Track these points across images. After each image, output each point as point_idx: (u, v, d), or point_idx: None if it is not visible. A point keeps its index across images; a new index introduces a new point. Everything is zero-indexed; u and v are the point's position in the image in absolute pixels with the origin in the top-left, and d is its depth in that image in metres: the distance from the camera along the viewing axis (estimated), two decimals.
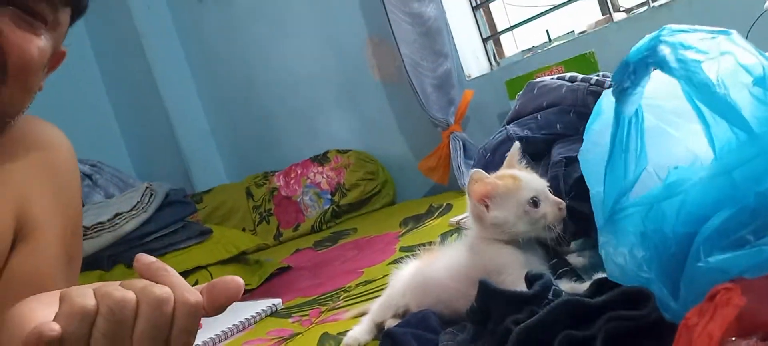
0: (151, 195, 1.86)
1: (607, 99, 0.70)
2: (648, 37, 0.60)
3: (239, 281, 0.47)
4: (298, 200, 2.47)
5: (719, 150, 0.54)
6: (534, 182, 0.87)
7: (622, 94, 0.60)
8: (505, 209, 0.87)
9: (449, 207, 1.87)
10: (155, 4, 2.75)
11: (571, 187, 0.87)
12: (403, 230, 1.85)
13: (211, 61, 2.76)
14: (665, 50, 0.58)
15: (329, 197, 2.42)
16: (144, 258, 0.48)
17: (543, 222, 0.85)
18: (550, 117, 0.96)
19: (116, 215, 1.78)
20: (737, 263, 0.50)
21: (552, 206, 0.85)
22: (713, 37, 0.58)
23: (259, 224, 2.50)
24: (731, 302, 0.45)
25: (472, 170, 0.87)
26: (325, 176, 2.45)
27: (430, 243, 1.35)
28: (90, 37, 2.87)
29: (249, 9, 2.56)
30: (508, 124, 1.01)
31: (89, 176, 2.46)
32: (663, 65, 0.58)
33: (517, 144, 0.87)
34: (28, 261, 0.71)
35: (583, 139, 0.81)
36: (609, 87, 0.88)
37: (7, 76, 0.62)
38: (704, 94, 0.55)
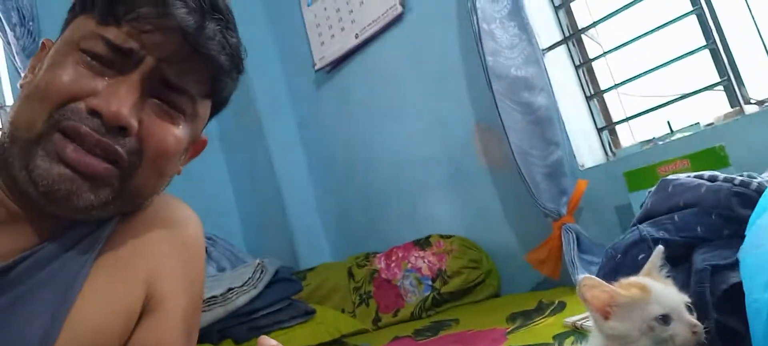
0: (262, 271, 1.92)
1: None
2: None
3: None
4: (399, 283, 2.44)
5: None
6: (668, 296, 0.79)
7: None
8: (627, 320, 0.79)
9: (562, 305, 1.76)
10: (277, 92, 2.96)
11: (718, 299, 0.79)
12: (511, 327, 1.75)
13: (324, 143, 2.89)
14: None
15: (430, 283, 2.37)
16: (267, 341, 0.49)
17: (671, 343, 0.76)
18: (689, 219, 0.88)
19: (229, 289, 1.85)
20: None
21: (685, 327, 0.76)
22: None
23: (358, 306, 2.49)
24: None
25: (584, 276, 0.82)
26: (426, 260, 2.42)
27: (543, 344, 1.27)
28: (216, 119, 3.12)
29: (362, 97, 2.68)
30: (639, 224, 0.94)
31: (204, 249, 2.60)
32: None
33: (660, 249, 0.79)
34: (153, 334, 0.73)
35: (727, 245, 0.74)
36: (756, 188, 0.81)
37: (142, 161, 0.66)
38: None
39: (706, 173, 0.92)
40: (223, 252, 2.66)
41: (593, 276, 0.81)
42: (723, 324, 0.76)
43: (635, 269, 0.89)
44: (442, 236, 2.42)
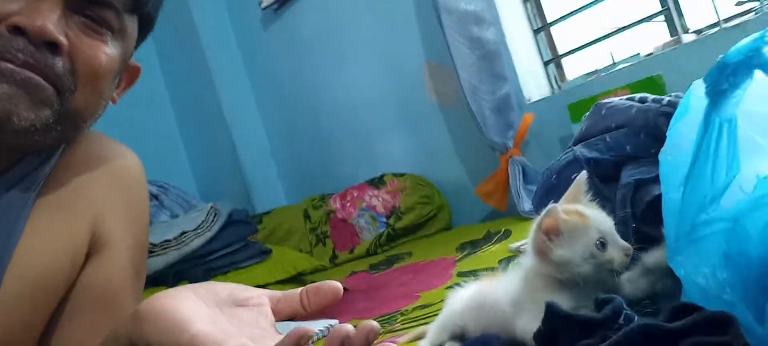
0: (216, 215, 1.92)
1: (695, 96, 0.66)
2: (751, 37, 0.57)
3: (339, 285, 0.50)
4: (354, 222, 2.48)
5: None
6: (602, 222, 0.80)
7: (718, 97, 0.57)
8: (570, 247, 0.80)
9: (508, 233, 1.84)
10: (222, 32, 2.88)
11: (641, 211, 0.84)
12: (460, 255, 1.83)
13: (274, 86, 2.85)
14: None
15: (384, 220, 2.42)
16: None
17: (608, 266, 0.78)
18: (620, 139, 0.92)
19: (182, 233, 1.84)
20: None
21: (619, 250, 0.79)
22: None
23: (315, 246, 2.53)
24: None
25: (551, 206, 0.84)
26: (380, 199, 2.46)
27: (488, 269, 1.33)
28: (160, 61, 3.02)
29: (312, 36, 2.63)
30: (574, 146, 0.99)
31: (156, 197, 2.57)
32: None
33: (584, 174, 0.81)
34: (100, 273, 0.73)
35: (654, 162, 0.78)
36: None
37: (77, 81, 0.65)
38: None
39: (637, 95, 0.97)
40: (175, 199, 2.63)
41: (557, 207, 0.81)
42: (644, 234, 0.81)
43: (568, 189, 0.93)
44: (395, 175, 2.46)
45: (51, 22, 0.61)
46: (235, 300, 0.53)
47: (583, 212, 0.82)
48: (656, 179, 0.82)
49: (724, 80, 0.61)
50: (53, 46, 0.62)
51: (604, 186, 0.91)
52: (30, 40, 0.61)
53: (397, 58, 2.38)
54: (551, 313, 0.72)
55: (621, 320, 0.67)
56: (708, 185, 0.63)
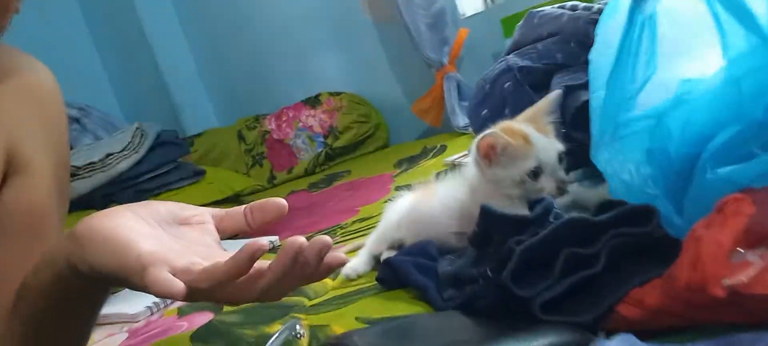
0: (142, 135, 1.84)
1: None
2: None
3: (283, 202, 0.50)
4: (291, 143, 2.46)
5: (731, 59, 0.53)
6: (546, 150, 0.80)
7: None
8: (504, 169, 0.82)
9: (443, 148, 1.87)
10: None
11: (571, 117, 0.87)
12: (398, 171, 1.86)
13: (200, 2, 2.69)
14: None
15: (322, 140, 2.41)
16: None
17: (537, 195, 0.79)
18: (551, 47, 0.94)
19: (108, 155, 1.77)
20: (745, 173, 0.50)
21: (552, 182, 0.79)
22: None
23: (252, 167, 2.49)
24: (741, 212, 0.46)
25: (498, 126, 0.83)
26: (317, 118, 2.43)
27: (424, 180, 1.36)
28: None
29: None
30: (507, 55, 1.00)
31: (77, 120, 2.43)
32: None
33: (557, 93, 0.79)
34: (23, 194, 0.69)
35: (584, 69, 0.80)
36: None
37: None
38: None
39: (569, 3, 0.98)
40: (97, 122, 2.50)
41: (498, 133, 0.80)
42: (572, 138, 0.85)
43: (501, 97, 0.95)
44: (331, 94, 2.43)
45: None
46: (177, 218, 0.52)
47: (528, 136, 0.81)
48: (585, 86, 0.84)
49: None
50: None
51: (535, 94, 0.94)
52: None
53: None
54: (485, 214, 0.75)
55: (551, 218, 0.71)
56: (629, 83, 0.66)
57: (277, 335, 0.64)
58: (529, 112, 0.84)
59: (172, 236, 0.50)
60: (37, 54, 0.78)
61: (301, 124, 2.45)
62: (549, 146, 0.81)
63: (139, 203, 0.53)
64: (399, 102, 2.28)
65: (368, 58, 2.32)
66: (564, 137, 0.81)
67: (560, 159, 0.80)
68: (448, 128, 2.05)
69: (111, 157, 1.76)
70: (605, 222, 0.61)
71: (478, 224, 0.74)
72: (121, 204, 1.57)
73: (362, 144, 2.37)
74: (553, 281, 0.60)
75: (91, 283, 0.49)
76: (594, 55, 0.68)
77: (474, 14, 2.06)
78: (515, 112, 0.90)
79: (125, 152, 1.78)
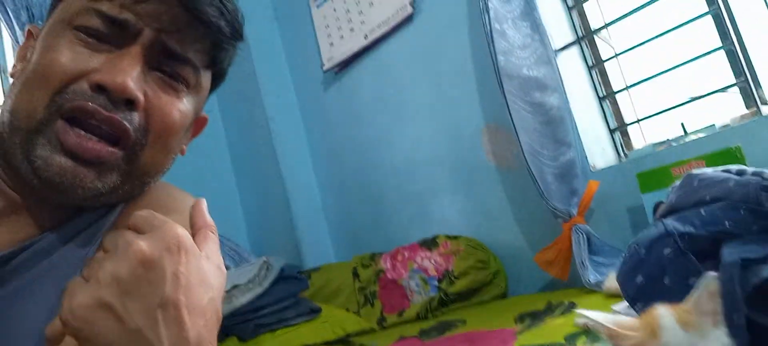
0: (268, 269, 1.89)
1: None
2: None
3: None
4: (404, 284, 2.41)
5: None
6: (679, 344, 0.69)
7: None
8: None
9: (571, 305, 1.73)
10: (283, 90, 2.95)
11: (749, 295, 0.76)
12: (521, 327, 1.73)
13: (330, 144, 2.87)
14: None
15: (436, 283, 2.34)
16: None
17: None
18: (717, 213, 0.86)
19: (234, 286, 1.82)
20: None
21: None
22: None
23: (363, 306, 2.46)
24: None
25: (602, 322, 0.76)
26: (433, 261, 2.39)
27: (554, 343, 1.24)
28: (221, 114, 3.10)
29: (370, 95, 2.66)
30: (662, 218, 0.92)
31: None
32: None
33: (717, 285, 0.69)
34: None
35: (758, 240, 0.71)
36: None
37: (148, 138, 0.64)
38: None
39: (734, 167, 0.90)
40: (226, 251, 2.64)
41: (593, 314, 0.76)
42: (754, 321, 0.74)
43: (659, 265, 0.86)
44: (448, 237, 2.39)
45: (131, 79, 0.61)
46: None
47: (658, 326, 0.71)
48: (765, 260, 0.75)
49: None
50: (131, 103, 0.62)
51: (700, 264, 0.84)
52: (110, 97, 0.61)
53: (455, 120, 2.36)
54: None
55: None
56: None
57: None
58: (692, 301, 0.72)
59: None
60: (183, 182, 0.83)
61: (415, 265, 2.42)
62: (688, 341, 0.68)
63: None
64: (521, 251, 2.19)
65: (489, 205, 2.29)
66: (746, 320, 0.70)
67: None
68: (574, 282, 1.92)
69: (236, 288, 1.81)
70: None
71: None
72: (240, 337, 1.58)
73: (479, 292, 2.27)
74: None
75: None
76: None
77: (606, 167, 1.98)
78: (675, 282, 0.80)
79: (249, 285, 1.83)
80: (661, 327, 0.69)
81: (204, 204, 0.62)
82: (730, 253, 0.80)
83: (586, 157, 1.99)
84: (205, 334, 0.47)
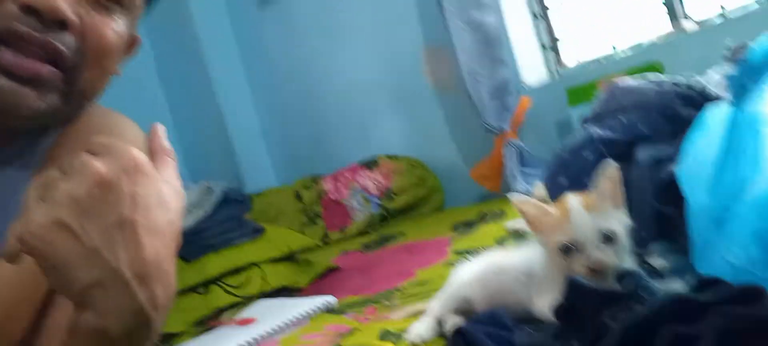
0: (210, 193, 1.89)
1: (712, 114, 0.68)
2: None
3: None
4: (346, 203, 2.47)
5: None
6: (582, 226, 0.76)
7: (741, 93, 0.58)
8: (544, 238, 0.81)
9: (502, 213, 1.84)
10: (215, 10, 2.82)
11: (658, 189, 0.84)
12: (455, 235, 1.83)
13: (268, 67, 2.81)
14: None
15: (377, 201, 2.41)
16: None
17: (570, 273, 0.76)
18: (634, 119, 0.93)
19: None
20: None
21: (584, 263, 0.75)
22: None
23: (306, 226, 2.51)
24: None
25: (513, 194, 0.83)
26: (374, 180, 2.45)
27: (485, 247, 1.33)
28: (150, 39, 2.95)
29: (308, 18, 2.60)
30: (586, 125, 0.99)
31: None
32: None
33: (617, 172, 0.76)
34: None
35: (670, 143, 0.78)
36: (700, 90, 0.85)
37: (85, 59, 0.63)
38: None
39: (651, 75, 0.97)
40: None
41: (521, 194, 0.83)
42: (661, 212, 0.82)
43: (582, 168, 0.93)
44: (389, 157, 2.45)
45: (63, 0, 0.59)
46: None
47: (568, 208, 0.78)
48: (673, 158, 0.83)
49: (747, 79, 0.61)
50: (63, 24, 0.60)
51: (617, 165, 0.92)
52: (40, 20, 0.59)
53: (394, 41, 2.37)
54: (572, 286, 0.72)
55: (643, 293, 0.68)
56: (737, 180, 0.64)
57: None
58: (598, 186, 0.81)
59: None
60: (112, 106, 0.82)
61: (357, 185, 2.47)
62: (587, 224, 0.76)
63: None
64: (457, 167, 2.27)
65: (428, 124, 2.35)
66: (653, 212, 0.79)
67: (609, 238, 0.76)
68: (506, 194, 2.02)
69: None
70: (710, 301, 0.58)
71: (564, 296, 0.72)
72: (185, 258, 1.59)
73: (417, 207, 2.36)
74: None
75: None
76: (683, 168, 0.67)
77: (538, 85, 2.06)
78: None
79: (192, 208, 1.83)
80: (570, 210, 0.77)
81: (162, 129, 0.61)
82: (643, 153, 0.88)
83: (520, 75, 2.06)
84: (164, 254, 0.48)
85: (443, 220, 2.08)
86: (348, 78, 2.54)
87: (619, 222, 0.77)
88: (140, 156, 0.49)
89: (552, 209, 0.80)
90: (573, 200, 0.79)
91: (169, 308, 0.49)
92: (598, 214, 0.76)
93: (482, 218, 1.89)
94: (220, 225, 1.85)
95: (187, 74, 2.90)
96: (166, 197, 0.50)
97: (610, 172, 0.78)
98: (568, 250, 0.77)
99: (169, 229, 0.49)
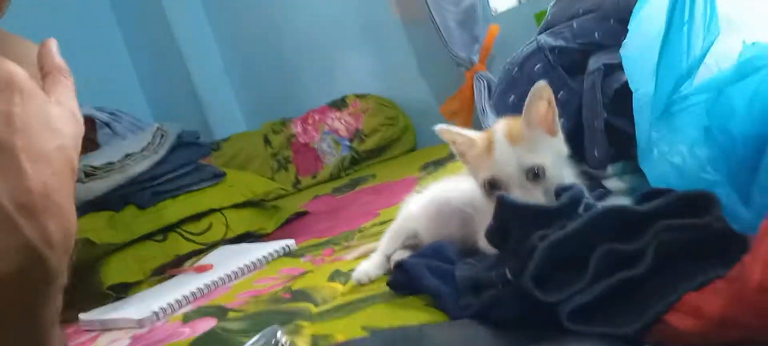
0: (163, 136, 1.79)
1: None
2: None
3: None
4: (316, 146, 2.39)
5: None
6: (504, 164, 0.69)
7: None
8: (472, 171, 0.77)
9: None
10: None
11: (609, 99, 0.76)
12: (423, 174, 1.76)
13: (229, 6, 2.67)
14: None
15: (348, 143, 2.34)
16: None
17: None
18: (587, 25, 0.84)
19: (126, 155, 1.72)
20: None
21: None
22: None
23: (277, 172, 2.44)
24: None
25: (442, 126, 0.77)
26: (343, 121, 2.36)
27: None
28: None
29: None
30: (539, 35, 0.90)
31: (108, 125, 2.41)
32: None
33: (547, 92, 0.67)
34: None
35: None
36: None
37: None
38: None
39: None
40: (128, 126, 2.48)
41: (446, 125, 0.78)
42: (614, 125, 0.74)
43: (530, 81, 0.84)
44: (357, 96, 2.36)
45: None
46: None
47: (494, 141, 0.72)
48: None
49: None
50: None
51: (570, 77, 0.83)
52: None
53: None
54: (501, 205, 0.64)
55: (581, 210, 0.60)
56: (684, 58, 0.55)
57: (253, 340, 0.55)
58: (524, 110, 0.72)
59: None
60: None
61: (327, 127, 2.39)
62: (510, 160, 0.69)
63: None
64: (427, 104, 2.19)
65: (396, 60, 2.25)
66: (604, 124, 0.70)
67: (536, 174, 0.68)
68: (478, 130, 1.94)
69: (129, 157, 1.71)
70: (652, 212, 0.50)
71: (494, 217, 0.64)
72: (138, 205, 1.50)
73: (389, 147, 2.29)
74: (586, 284, 0.49)
75: None
76: (626, 50, 0.58)
77: (506, 10, 1.95)
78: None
79: (144, 153, 1.73)
80: (494, 142, 0.70)
81: (54, 45, 0.52)
82: (595, 61, 0.79)
83: (487, 2, 1.94)
84: (53, 184, 0.41)
85: (414, 160, 2.01)
86: (313, 13, 2.42)
87: (552, 153, 0.68)
88: (17, 71, 0.41)
89: (479, 138, 0.73)
90: (499, 130, 0.72)
91: (70, 247, 0.41)
92: (524, 145, 0.68)
93: (452, 156, 1.81)
94: (175, 170, 1.75)
95: (145, 15, 2.76)
96: (55, 120, 0.42)
97: (540, 91, 0.68)
98: (493, 186, 0.70)
99: (60, 156, 0.41)
